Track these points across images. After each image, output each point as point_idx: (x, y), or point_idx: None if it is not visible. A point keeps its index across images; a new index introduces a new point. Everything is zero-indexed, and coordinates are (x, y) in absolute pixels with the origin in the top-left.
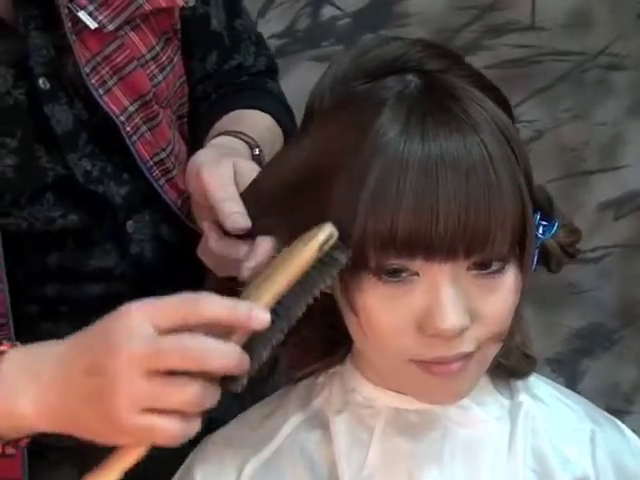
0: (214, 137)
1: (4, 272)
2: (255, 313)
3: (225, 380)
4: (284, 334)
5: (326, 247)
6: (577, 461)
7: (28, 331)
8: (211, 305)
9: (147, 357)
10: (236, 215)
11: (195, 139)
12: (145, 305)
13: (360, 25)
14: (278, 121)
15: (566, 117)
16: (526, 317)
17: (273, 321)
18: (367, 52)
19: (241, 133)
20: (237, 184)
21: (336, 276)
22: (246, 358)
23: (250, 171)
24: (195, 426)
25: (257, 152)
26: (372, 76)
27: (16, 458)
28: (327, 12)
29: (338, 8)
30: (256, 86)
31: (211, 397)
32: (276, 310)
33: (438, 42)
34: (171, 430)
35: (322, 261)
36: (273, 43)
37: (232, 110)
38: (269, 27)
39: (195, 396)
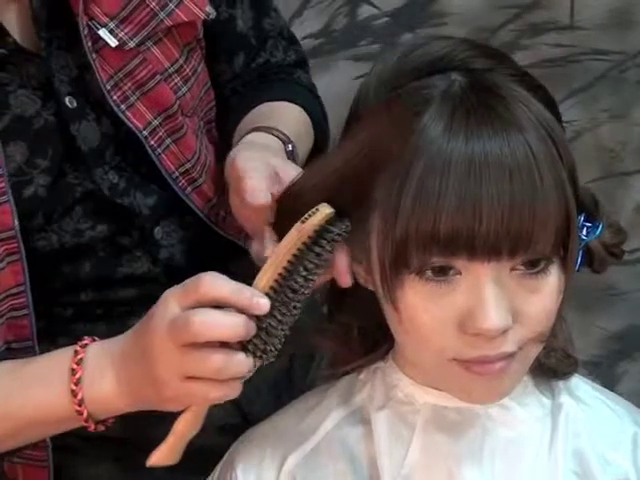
0: (247, 133)
1: (30, 299)
2: (256, 300)
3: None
4: (286, 311)
5: (321, 223)
6: (618, 464)
7: (63, 332)
8: (220, 287)
9: (174, 332)
10: (258, 191)
11: (225, 139)
12: (174, 290)
13: (397, 24)
14: (308, 112)
15: (604, 117)
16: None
17: (273, 299)
18: (412, 51)
19: (274, 129)
20: (281, 185)
21: (330, 249)
22: (252, 325)
23: (293, 172)
24: (234, 389)
25: (290, 148)
26: (417, 75)
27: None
28: (364, 11)
29: (375, 7)
30: (284, 77)
31: (237, 365)
32: (274, 288)
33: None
34: (207, 392)
35: (319, 237)
36: (310, 43)
37: (261, 102)
38: (305, 27)
39: (219, 363)
